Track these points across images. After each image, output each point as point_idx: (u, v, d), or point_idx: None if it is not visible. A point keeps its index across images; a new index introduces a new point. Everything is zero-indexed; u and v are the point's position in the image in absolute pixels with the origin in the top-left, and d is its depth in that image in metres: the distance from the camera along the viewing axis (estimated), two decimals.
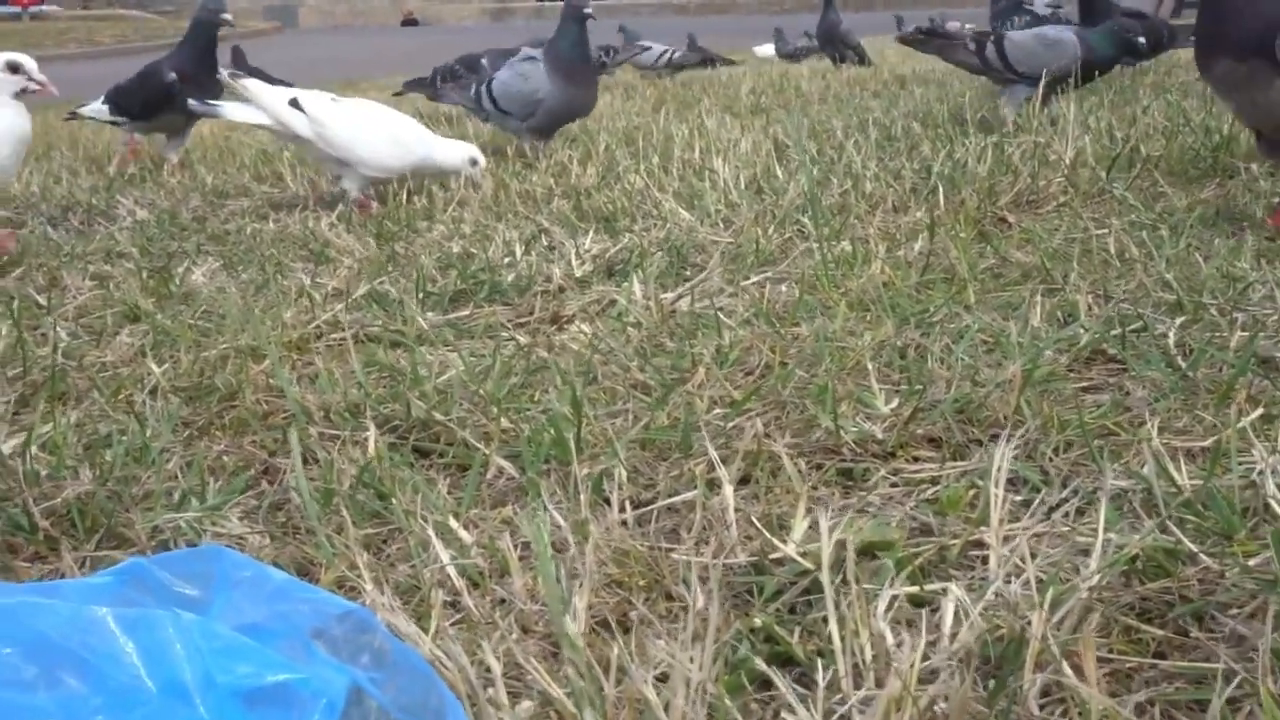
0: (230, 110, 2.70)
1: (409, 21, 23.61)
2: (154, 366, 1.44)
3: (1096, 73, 3.21)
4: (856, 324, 1.46)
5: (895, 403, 1.18)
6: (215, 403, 1.33)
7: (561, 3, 3.18)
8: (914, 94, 4.21)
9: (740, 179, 2.41)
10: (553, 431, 1.14)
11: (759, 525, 0.94)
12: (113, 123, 3.59)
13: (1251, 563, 0.83)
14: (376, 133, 2.58)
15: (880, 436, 1.12)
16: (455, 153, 2.67)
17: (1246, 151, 2.25)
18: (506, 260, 1.92)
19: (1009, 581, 0.84)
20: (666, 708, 0.70)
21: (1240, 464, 0.97)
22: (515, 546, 0.93)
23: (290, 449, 1.10)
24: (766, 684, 0.76)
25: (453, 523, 0.98)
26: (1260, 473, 0.95)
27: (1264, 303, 1.41)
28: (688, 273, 1.81)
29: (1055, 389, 1.21)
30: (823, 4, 6.75)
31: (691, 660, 0.72)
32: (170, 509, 1.05)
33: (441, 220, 2.33)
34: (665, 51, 6.72)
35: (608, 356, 1.39)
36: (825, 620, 0.79)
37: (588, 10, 3.13)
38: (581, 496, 1.01)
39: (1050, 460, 1.05)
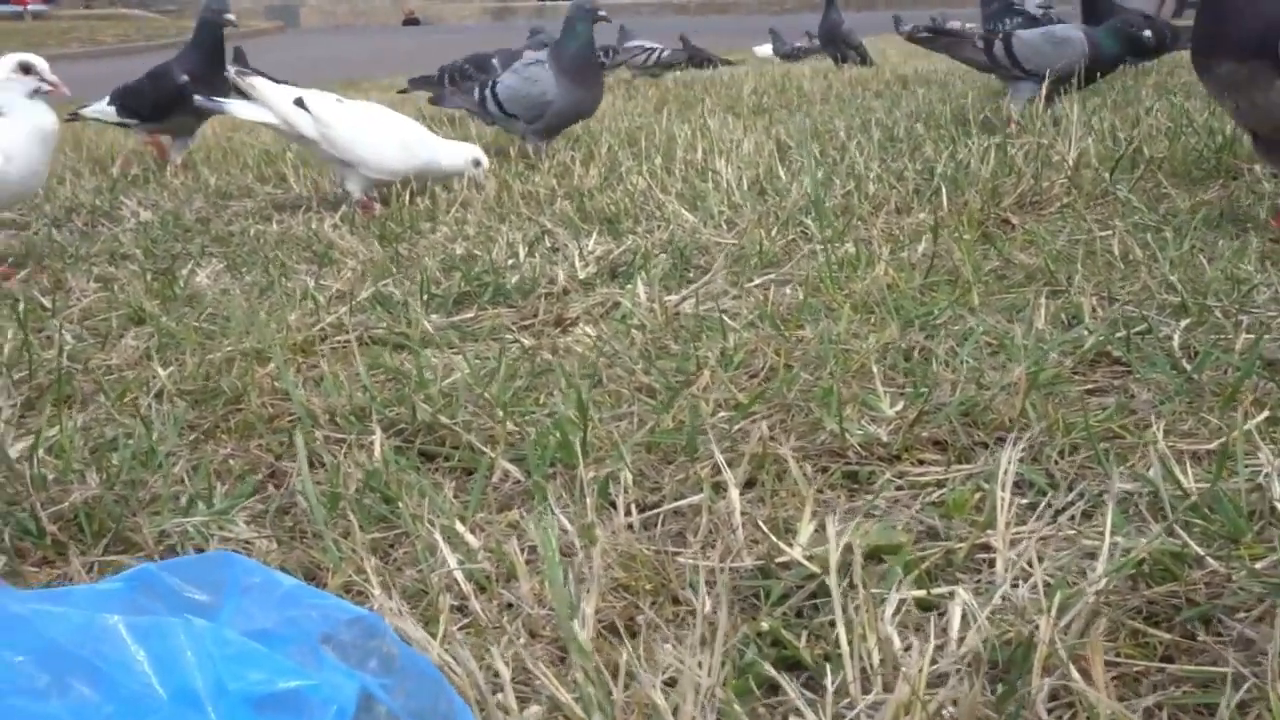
0: (236, 108, 2.70)
1: (410, 21, 23.62)
2: (159, 369, 1.44)
3: (1099, 75, 3.22)
4: (861, 326, 1.46)
5: (900, 405, 1.18)
6: (221, 406, 1.34)
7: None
8: (916, 94, 4.21)
9: (743, 180, 2.41)
10: (558, 435, 1.14)
11: (765, 529, 0.94)
12: (120, 124, 3.59)
13: (1258, 566, 0.83)
14: (381, 135, 2.59)
15: (885, 439, 1.12)
16: (458, 154, 2.68)
17: (1250, 153, 2.25)
18: (510, 262, 1.92)
19: (1016, 585, 0.84)
20: (675, 712, 0.70)
21: (1246, 467, 0.97)
22: (522, 550, 0.93)
23: (296, 452, 1.10)
24: (774, 689, 0.76)
25: (459, 527, 0.98)
26: (1266, 476, 0.95)
27: (1269, 305, 1.41)
28: (691, 275, 1.81)
29: (1060, 392, 1.21)
30: (825, 4, 6.75)
31: (699, 665, 0.72)
32: (177, 513, 1.05)
33: (445, 221, 2.33)
34: (653, 51, 6.71)
35: (612, 359, 1.40)
36: (832, 624, 0.79)
37: (602, 12, 3.13)
38: (588, 500, 1.01)
39: (1056, 463, 1.05)
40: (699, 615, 0.80)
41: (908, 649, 0.77)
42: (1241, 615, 0.79)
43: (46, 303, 1.86)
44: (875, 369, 1.27)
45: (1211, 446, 1.05)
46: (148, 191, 3.08)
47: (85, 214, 2.75)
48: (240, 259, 2.15)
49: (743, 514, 0.97)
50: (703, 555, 0.92)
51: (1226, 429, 1.06)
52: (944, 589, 0.85)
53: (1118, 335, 1.33)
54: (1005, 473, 0.96)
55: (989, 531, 0.92)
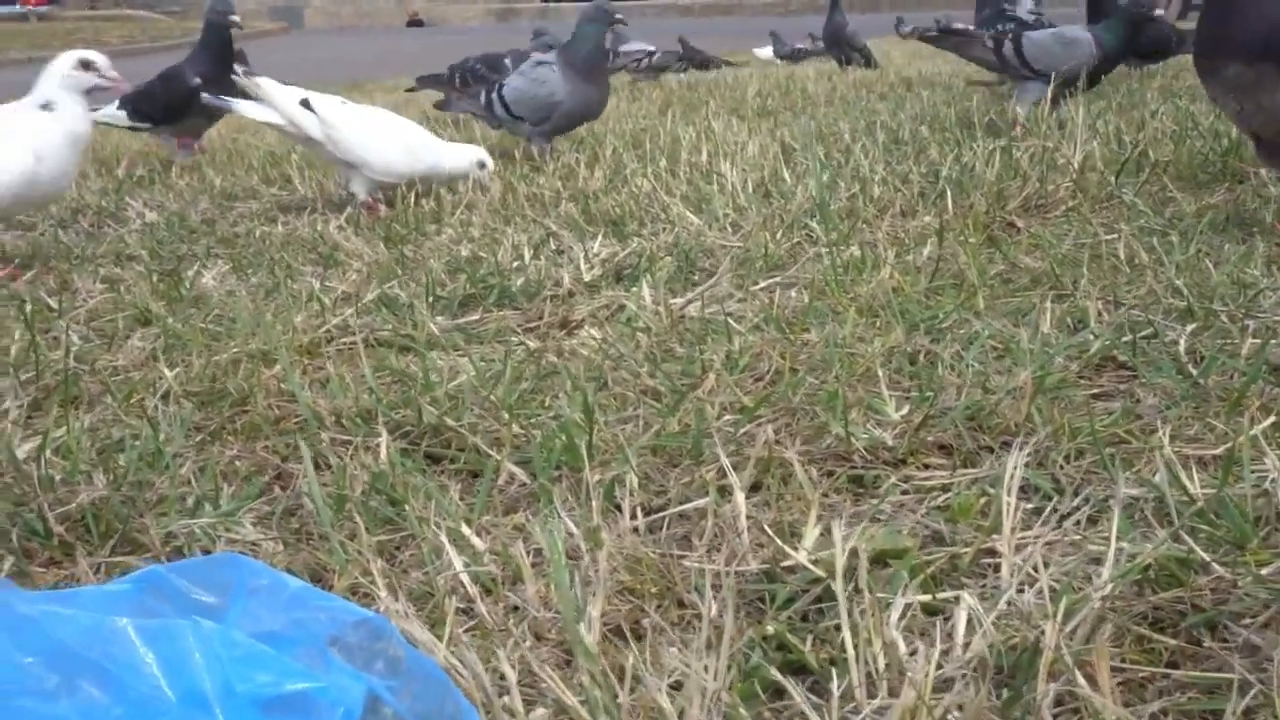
0: (243, 107, 2.71)
1: (414, 22, 23.65)
2: (166, 370, 1.44)
3: (1103, 75, 3.22)
4: (866, 330, 1.46)
5: (906, 409, 1.18)
6: (227, 407, 1.34)
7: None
8: (921, 97, 4.21)
9: (748, 182, 2.42)
10: (564, 437, 1.14)
11: (770, 533, 0.94)
12: (132, 128, 3.61)
13: (1264, 572, 0.83)
14: (386, 138, 2.59)
15: (891, 443, 1.12)
16: (463, 157, 2.68)
17: (1255, 156, 2.25)
18: (515, 264, 1.92)
19: (1021, 590, 0.84)
20: (680, 716, 0.71)
21: (1252, 472, 0.97)
22: (528, 553, 0.93)
23: (302, 454, 1.11)
24: (780, 693, 0.76)
25: (465, 529, 0.98)
26: (1273, 481, 0.95)
27: (1275, 309, 1.41)
28: (696, 277, 1.81)
29: (1066, 396, 1.21)
30: (829, 6, 6.75)
31: (705, 668, 0.73)
32: (184, 515, 1.05)
33: (450, 223, 2.34)
34: (646, 54, 6.71)
35: (618, 362, 1.40)
36: (838, 628, 0.79)
37: (619, 15, 3.14)
38: (593, 503, 1.01)
39: (1062, 468, 1.05)
40: (704, 619, 0.80)
41: (913, 654, 0.77)
42: (1247, 621, 0.79)
43: (53, 304, 1.87)
44: (880, 373, 1.27)
45: (1217, 452, 1.05)
46: (153, 193, 3.09)
47: (91, 215, 2.75)
48: (246, 260, 2.15)
49: (748, 518, 0.97)
50: (708, 559, 0.92)
51: (1232, 434, 1.06)
52: (949, 594, 0.85)
53: (1123, 340, 1.33)
54: (1011, 477, 0.96)
55: (994, 536, 0.92)
